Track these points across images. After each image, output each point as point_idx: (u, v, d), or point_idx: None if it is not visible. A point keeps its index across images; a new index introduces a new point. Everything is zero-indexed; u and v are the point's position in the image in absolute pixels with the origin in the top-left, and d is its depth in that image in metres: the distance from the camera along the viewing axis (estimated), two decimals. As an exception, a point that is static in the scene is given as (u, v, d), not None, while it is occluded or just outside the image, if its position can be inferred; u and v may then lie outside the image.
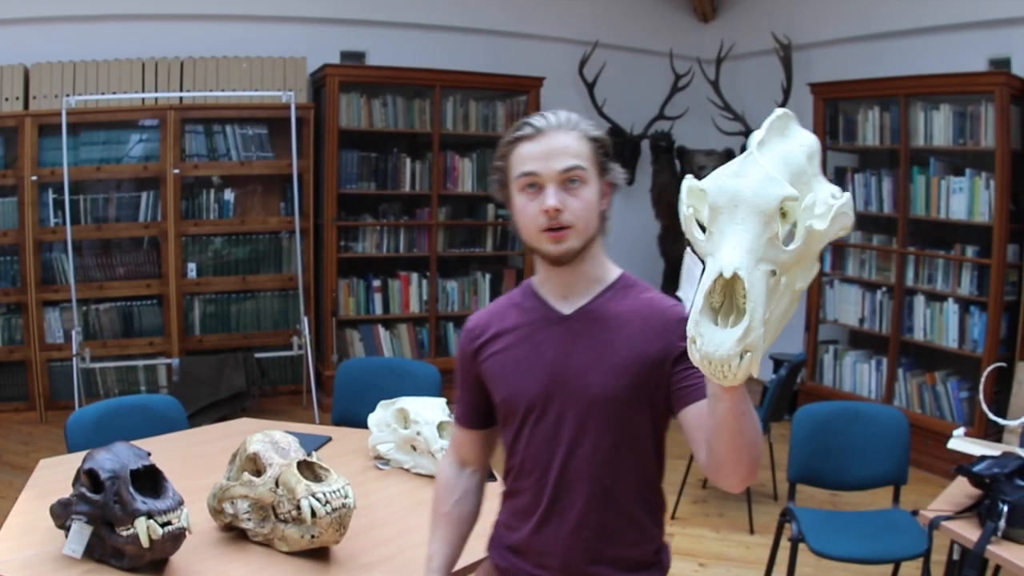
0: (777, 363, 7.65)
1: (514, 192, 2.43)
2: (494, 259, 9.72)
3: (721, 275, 1.74)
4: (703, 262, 1.85)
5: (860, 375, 8.23)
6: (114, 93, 7.97)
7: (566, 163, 2.36)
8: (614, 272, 2.56)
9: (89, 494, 2.89)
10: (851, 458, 4.83)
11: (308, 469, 3.12)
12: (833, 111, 8.34)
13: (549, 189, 2.36)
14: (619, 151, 10.16)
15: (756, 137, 1.84)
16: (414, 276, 9.18)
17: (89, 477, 2.92)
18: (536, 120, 2.44)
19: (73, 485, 3.02)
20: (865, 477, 4.87)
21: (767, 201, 1.73)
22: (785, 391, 6.43)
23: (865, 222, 8.03)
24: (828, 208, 1.82)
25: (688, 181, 1.93)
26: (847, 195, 1.86)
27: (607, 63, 9.65)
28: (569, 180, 2.37)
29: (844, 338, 8.72)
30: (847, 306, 8.32)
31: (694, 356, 1.78)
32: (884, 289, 7.99)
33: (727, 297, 1.79)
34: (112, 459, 2.92)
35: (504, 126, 9.38)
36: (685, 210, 1.90)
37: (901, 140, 7.61)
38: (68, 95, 7.71)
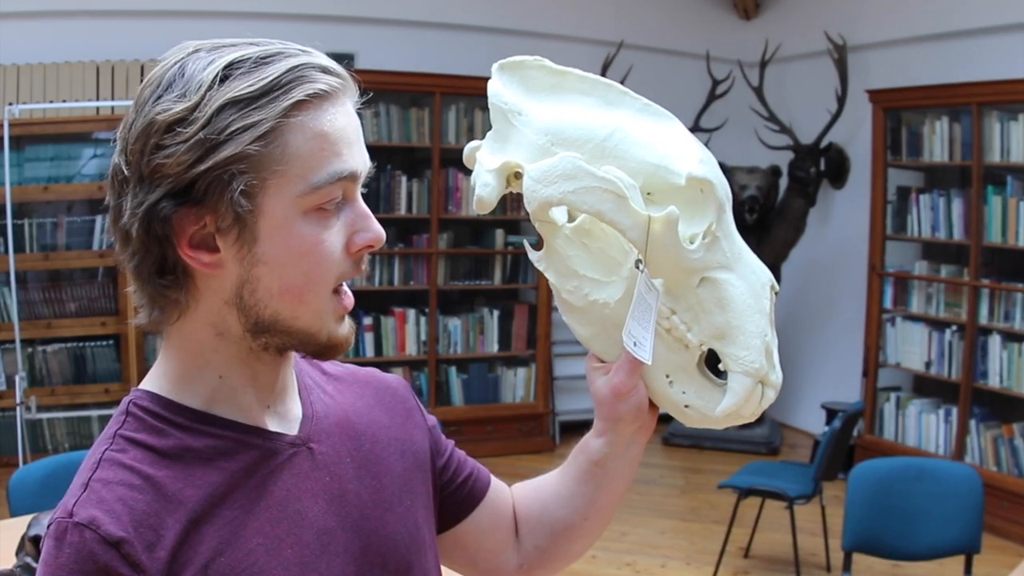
0: (831, 413, 7.66)
1: (287, 211, 1.46)
2: (503, 293, 9.78)
3: (772, 289, 1.63)
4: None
5: (926, 427, 8.21)
6: (64, 101, 8.02)
7: (368, 158, 1.57)
8: None
9: (35, 564, 2.90)
10: (916, 523, 4.82)
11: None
12: (895, 122, 8.36)
13: (362, 204, 1.55)
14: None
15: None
16: (411, 313, 9.21)
17: (35, 545, 2.93)
18: (332, 65, 1.52)
19: (16, 555, 3.02)
20: (932, 545, 4.86)
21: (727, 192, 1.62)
22: (840, 446, 6.43)
23: (932, 250, 8.04)
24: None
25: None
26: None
27: (634, 67, 9.65)
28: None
29: (907, 384, 8.73)
30: (911, 347, 8.32)
31: (697, 424, 1.67)
32: (954, 328, 7.99)
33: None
34: (61, 524, 2.92)
35: (514, 139, 9.41)
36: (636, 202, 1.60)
37: (973, 156, 7.62)
38: (11, 103, 7.74)
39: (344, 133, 1.48)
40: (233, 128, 1.40)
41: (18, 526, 3.29)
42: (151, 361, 8.21)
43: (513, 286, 9.76)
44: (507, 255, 9.54)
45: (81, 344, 8.34)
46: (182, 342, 1.56)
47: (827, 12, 9.54)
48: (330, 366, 1.84)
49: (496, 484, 1.96)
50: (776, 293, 1.63)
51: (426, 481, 1.82)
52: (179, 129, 1.40)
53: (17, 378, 7.85)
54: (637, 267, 1.59)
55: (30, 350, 8.16)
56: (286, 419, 1.63)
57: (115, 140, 1.50)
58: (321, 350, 1.55)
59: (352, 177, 1.49)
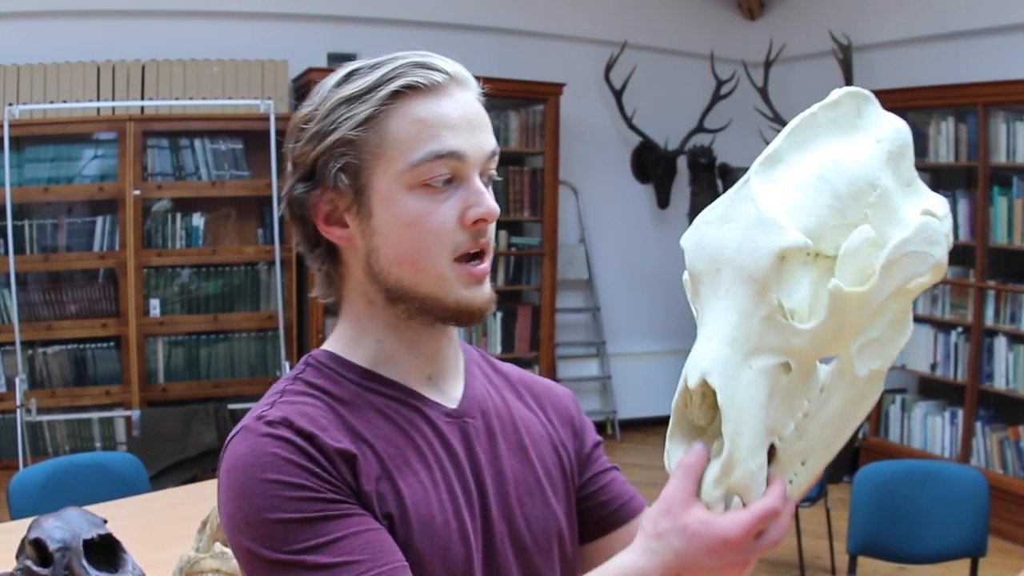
0: (836, 416, 7.64)
1: (392, 187, 1.67)
2: (507, 295, 9.74)
3: (686, 383, 1.44)
4: None
5: (932, 429, 8.22)
6: (64, 102, 8.01)
7: (492, 143, 1.75)
8: None
9: (35, 568, 2.90)
10: (921, 526, 4.82)
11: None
12: (900, 122, 8.35)
13: (478, 182, 1.71)
14: (652, 168, 10.20)
15: (771, 146, 1.50)
16: (413, 314, 9.13)
17: (35, 548, 2.93)
18: (439, 62, 1.73)
19: (16, 558, 3.02)
20: (938, 548, 4.85)
21: (755, 260, 1.40)
22: (845, 448, 6.41)
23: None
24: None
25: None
26: (927, 221, 1.47)
27: (637, 67, 9.69)
28: (490, 174, 1.76)
29: (913, 386, 8.74)
30: (916, 349, 8.32)
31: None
32: (960, 330, 7.99)
33: (715, 410, 1.45)
34: (62, 527, 2.92)
35: (519, 140, 9.41)
36: (685, 274, 1.55)
37: (979, 156, 7.63)
38: (11, 104, 7.73)
39: (445, 119, 1.67)
40: (340, 119, 1.68)
41: (18, 529, 3.28)
42: (152, 362, 8.26)
43: (516, 287, 9.75)
44: (510, 256, 9.55)
45: (82, 346, 8.33)
46: (347, 310, 1.81)
47: (832, 12, 9.54)
48: (501, 364, 2.02)
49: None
50: (691, 394, 1.46)
51: (574, 482, 1.94)
52: (304, 126, 1.72)
53: (17, 380, 7.84)
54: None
55: (30, 352, 8.14)
56: (447, 395, 1.82)
57: None
58: (455, 315, 1.73)
59: (454, 156, 1.66)
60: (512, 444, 1.85)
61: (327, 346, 1.82)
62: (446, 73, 1.69)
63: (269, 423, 1.62)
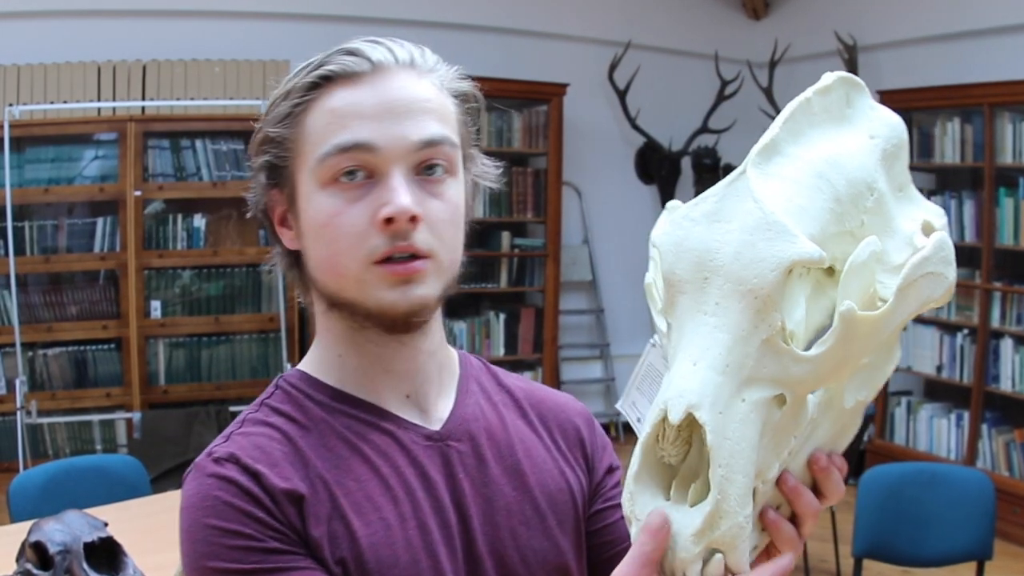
0: (841, 418, 7.63)
1: (309, 186, 1.56)
2: (509, 296, 9.79)
3: (665, 416, 1.22)
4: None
5: (937, 432, 8.21)
6: (65, 102, 8.02)
7: (428, 130, 1.55)
8: (449, 347, 1.81)
9: (35, 571, 2.90)
10: (927, 529, 4.82)
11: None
12: (906, 123, 8.29)
13: (394, 178, 1.51)
14: (656, 169, 10.20)
15: (767, 135, 1.30)
16: (415, 316, 9.13)
17: (35, 551, 2.93)
18: (367, 48, 1.59)
19: (16, 561, 3.02)
20: (943, 551, 4.85)
21: (758, 272, 1.19)
22: (850, 450, 6.40)
23: (944, 253, 8.01)
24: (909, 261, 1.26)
25: (668, 212, 1.34)
26: (943, 238, 1.30)
27: (641, 67, 9.68)
28: (427, 166, 1.55)
29: (919, 389, 8.74)
30: (922, 351, 8.32)
31: (631, 551, 1.26)
32: (966, 331, 8.00)
33: (689, 446, 1.26)
34: (63, 530, 2.92)
35: (521, 141, 9.42)
36: (648, 276, 1.44)
37: (985, 157, 7.63)
38: (11, 104, 7.73)
39: (357, 108, 1.52)
40: (268, 116, 1.59)
41: (19, 532, 3.28)
42: (152, 365, 8.26)
43: (519, 289, 9.76)
44: (513, 257, 9.56)
45: (82, 348, 8.33)
46: (318, 322, 1.68)
47: (837, 12, 9.53)
48: (509, 377, 1.86)
49: None
50: (666, 427, 1.23)
51: (578, 515, 1.76)
52: (256, 124, 1.62)
53: (17, 382, 7.83)
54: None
55: (30, 354, 8.15)
56: (428, 414, 1.67)
57: None
58: (379, 320, 1.56)
59: (361, 148, 1.50)
60: (507, 469, 1.69)
61: (301, 365, 1.71)
62: (368, 60, 1.55)
63: (216, 460, 1.54)
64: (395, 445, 1.61)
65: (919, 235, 1.30)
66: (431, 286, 1.54)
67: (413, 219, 1.49)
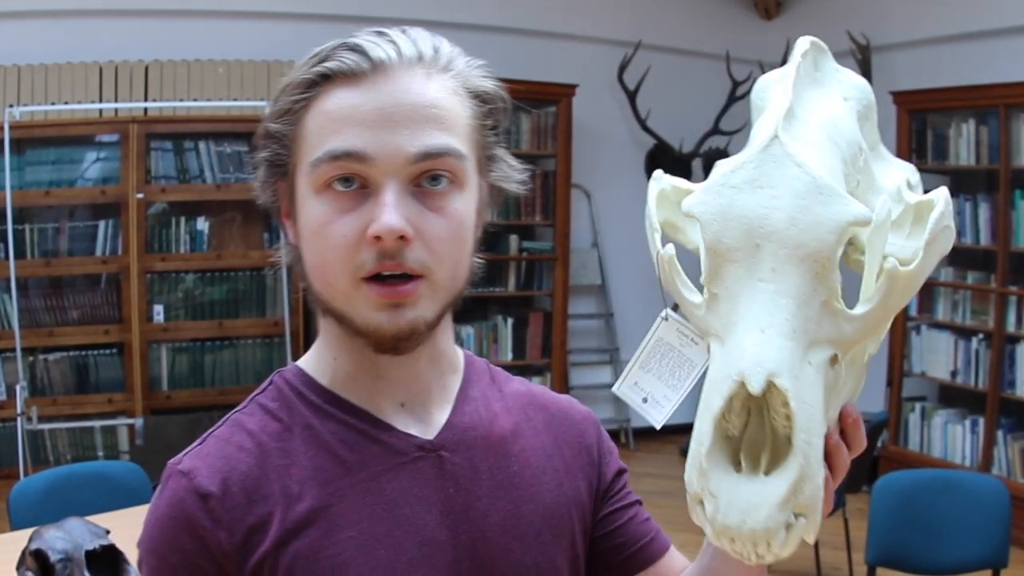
0: (854, 424, 7.62)
1: (305, 189, 1.51)
2: (518, 300, 9.80)
3: (743, 386, 1.22)
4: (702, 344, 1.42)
5: (952, 438, 8.20)
6: (66, 103, 8.02)
7: (427, 141, 1.47)
8: (456, 348, 1.75)
9: (36, 579, 2.90)
10: (941, 536, 4.81)
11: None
12: (920, 124, 8.35)
13: (386, 192, 1.44)
14: (667, 171, 10.18)
15: (778, 100, 1.34)
16: (422, 320, 9.13)
17: (36, 559, 2.93)
18: (369, 44, 1.55)
19: (17, 569, 3.03)
20: (958, 559, 4.84)
21: (817, 235, 1.22)
22: (863, 457, 6.40)
23: (958, 256, 8.01)
24: (911, 214, 1.35)
25: (658, 183, 1.50)
26: (943, 192, 1.33)
27: (652, 67, 9.68)
28: (429, 178, 1.48)
29: (933, 394, 8.72)
30: (936, 356, 8.31)
31: (705, 526, 1.28)
32: (981, 336, 7.98)
33: (752, 416, 1.28)
34: (64, 538, 2.93)
35: (530, 143, 9.42)
36: (658, 244, 1.48)
37: (1001, 159, 7.62)
38: (11, 105, 7.72)
39: (353, 113, 1.45)
40: (271, 111, 1.54)
41: (19, 539, 3.29)
42: (155, 369, 8.25)
43: (528, 293, 9.76)
44: (521, 261, 9.56)
45: (83, 353, 8.33)
46: (318, 319, 1.62)
47: (850, 12, 9.52)
48: (512, 382, 1.81)
49: (670, 557, 1.81)
50: (748, 391, 1.23)
51: (582, 521, 1.73)
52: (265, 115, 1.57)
53: (18, 387, 7.83)
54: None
55: (31, 359, 8.15)
56: (424, 423, 1.61)
57: None
58: (366, 338, 1.49)
59: (352, 157, 1.43)
60: (502, 481, 1.63)
61: (300, 361, 1.66)
62: (369, 58, 1.49)
63: (177, 474, 1.50)
64: (382, 455, 1.55)
65: (905, 190, 1.39)
66: (424, 308, 1.47)
67: (403, 238, 1.42)
